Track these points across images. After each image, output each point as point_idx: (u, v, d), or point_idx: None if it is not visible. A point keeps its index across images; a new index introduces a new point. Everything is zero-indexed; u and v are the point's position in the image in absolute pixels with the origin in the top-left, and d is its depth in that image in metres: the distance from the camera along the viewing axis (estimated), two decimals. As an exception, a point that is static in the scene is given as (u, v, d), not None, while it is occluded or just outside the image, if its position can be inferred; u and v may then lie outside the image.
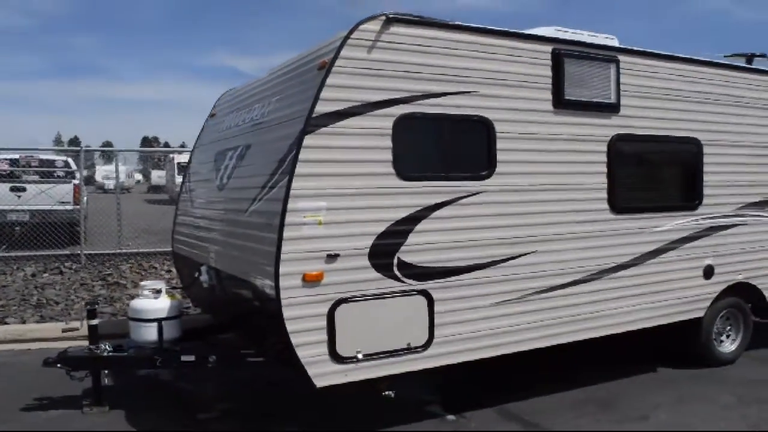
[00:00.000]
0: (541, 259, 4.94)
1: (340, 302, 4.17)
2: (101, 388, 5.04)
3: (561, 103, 4.99)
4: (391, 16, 4.27)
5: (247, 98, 5.58)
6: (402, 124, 4.32)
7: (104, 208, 12.01)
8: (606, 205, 5.29)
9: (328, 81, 4.09)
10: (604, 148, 5.27)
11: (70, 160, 13.13)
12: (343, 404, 5.01)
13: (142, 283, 5.25)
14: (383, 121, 4.27)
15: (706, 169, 5.91)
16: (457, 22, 4.56)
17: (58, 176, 12.38)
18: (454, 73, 4.52)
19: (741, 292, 6.30)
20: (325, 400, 4.71)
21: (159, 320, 5.00)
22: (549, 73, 4.95)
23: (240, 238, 4.73)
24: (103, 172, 32.29)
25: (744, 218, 6.20)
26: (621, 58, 5.31)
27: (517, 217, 4.83)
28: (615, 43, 5.52)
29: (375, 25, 4.23)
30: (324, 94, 4.08)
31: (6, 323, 7.30)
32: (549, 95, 4.96)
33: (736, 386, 5.70)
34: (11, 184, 11.30)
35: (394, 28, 4.29)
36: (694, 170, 5.87)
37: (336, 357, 4.16)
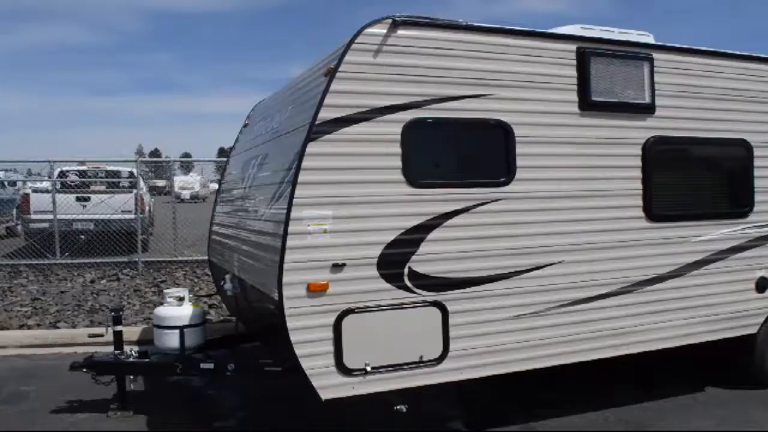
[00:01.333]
0: (568, 270, 4.68)
1: (347, 313, 4.07)
2: (126, 393, 5.14)
3: (587, 104, 4.72)
4: (397, 18, 4.16)
5: (271, 107, 5.60)
6: (412, 130, 4.19)
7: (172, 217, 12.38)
8: (641, 213, 4.96)
9: (332, 87, 4.02)
10: (639, 151, 4.95)
11: (135, 170, 13.66)
12: (361, 418, 4.89)
13: (166, 290, 5.33)
14: (392, 127, 4.16)
15: (757, 173, 5.46)
16: (469, 23, 4.40)
17: (123, 186, 12.92)
18: (467, 75, 4.36)
19: (802, 306, 5.78)
20: (344, 413, 4.61)
21: (181, 327, 5.05)
22: (574, 73, 4.70)
23: (254, 247, 4.73)
24: (179, 182, 33.78)
25: (804, 226, 5.69)
26: (655, 55, 4.98)
27: (540, 226, 4.59)
28: (650, 40, 5.19)
29: (381, 29, 4.13)
30: (328, 100, 4.02)
31: (57, 327, 7.60)
32: (574, 96, 4.71)
33: (793, 410, 5.23)
34: (77, 195, 11.84)
35: (402, 31, 4.18)
36: (743, 175, 5.44)
37: (343, 369, 4.07)
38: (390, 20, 4.15)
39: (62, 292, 9.22)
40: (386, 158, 4.16)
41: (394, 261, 4.17)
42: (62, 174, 13.00)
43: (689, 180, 5.28)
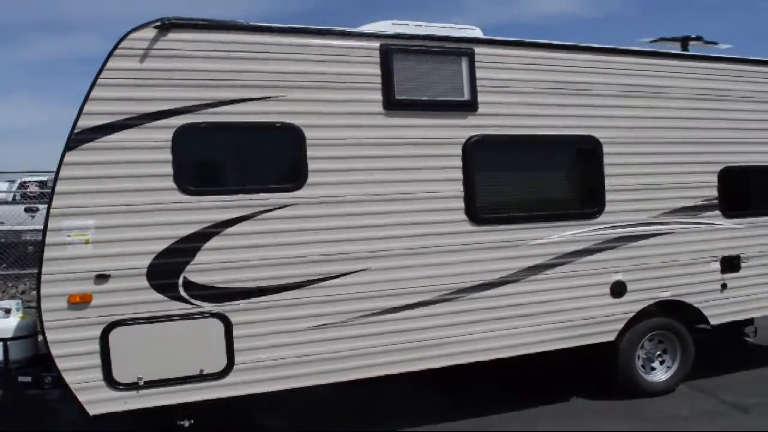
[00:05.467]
0: (374, 278, 4.47)
1: (115, 325, 3.96)
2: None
3: (392, 104, 4.51)
4: (167, 22, 4.03)
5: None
6: (184, 135, 4.06)
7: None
8: (463, 216, 4.71)
9: (92, 95, 3.93)
10: (458, 151, 4.70)
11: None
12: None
13: (-5, 302, 5.29)
14: (161, 133, 4.03)
15: (608, 171, 5.14)
16: (251, 23, 4.25)
17: None
18: (250, 77, 4.20)
19: (674, 311, 5.44)
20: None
21: (4, 340, 4.98)
22: (377, 71, 4.49)
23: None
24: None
25: (669, 226, 5.35)
26: (477, 50, 4.73)
27: (338, 232, 4.39)
28: (476, 34, 4.93)
29: (148, 33, 4.01)
30: (87, 108, 3.92)
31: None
32: (378, 96, 4.50)
33: (651, 423, 4.90)
34: (25, 206, 12.01)
35: (173, 34, 4.06)
36: (591, 173, 5.12)
37: (113, 383, 3.96)
38: (158, 23, 4.03)
39: (-16, 303, 9.32)
40: (156, 165, 4.03)
41: (166, 271, 4.04)
42: (22, 185, 13.22)
43: (523, 180, 5.01)
